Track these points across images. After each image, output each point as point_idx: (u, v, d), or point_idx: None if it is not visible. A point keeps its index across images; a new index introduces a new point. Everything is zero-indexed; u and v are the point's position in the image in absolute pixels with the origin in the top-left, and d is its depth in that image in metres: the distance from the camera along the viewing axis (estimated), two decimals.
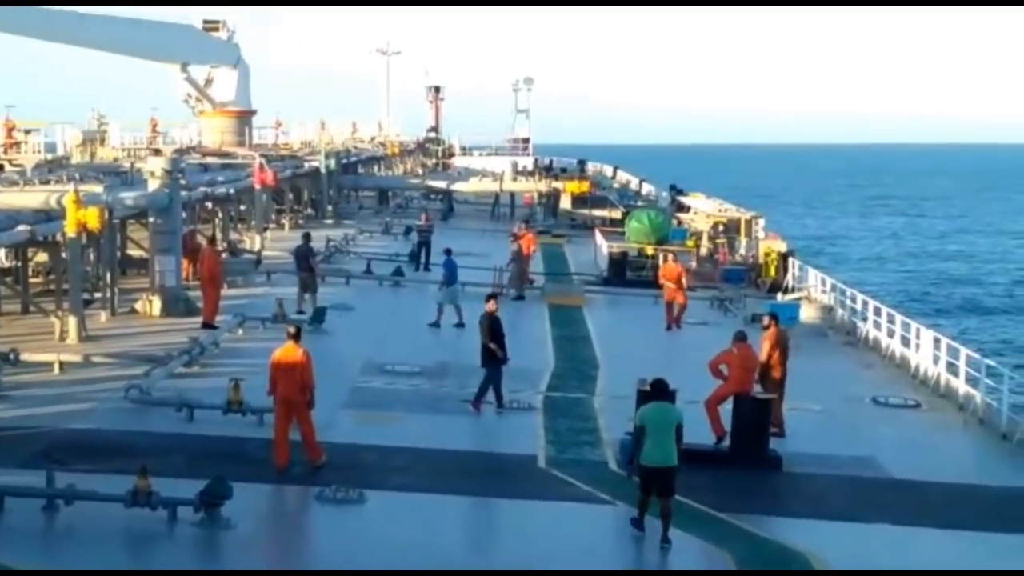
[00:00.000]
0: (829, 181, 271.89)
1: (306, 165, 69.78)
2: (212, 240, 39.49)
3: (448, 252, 39.89)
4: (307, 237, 39.67)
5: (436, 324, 36.32)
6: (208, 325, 33.34)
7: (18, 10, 66.39)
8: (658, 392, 19.94)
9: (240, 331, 32.92)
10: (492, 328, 26.70)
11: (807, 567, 18.13)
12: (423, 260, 48.00)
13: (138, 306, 35.45)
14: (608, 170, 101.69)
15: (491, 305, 27.31)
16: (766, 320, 27.09)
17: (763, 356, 25.73)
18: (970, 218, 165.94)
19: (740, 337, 25.27)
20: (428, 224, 50.21)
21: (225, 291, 39.31)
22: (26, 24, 67.19)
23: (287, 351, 21.96)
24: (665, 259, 45.20)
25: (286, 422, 21.64)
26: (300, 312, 35.47)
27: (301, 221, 64.42)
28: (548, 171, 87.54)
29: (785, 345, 26.23)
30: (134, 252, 43.55)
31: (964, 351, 30.96)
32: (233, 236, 51.45)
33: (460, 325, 35.56)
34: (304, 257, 38.13)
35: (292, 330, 22.69)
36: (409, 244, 52.28)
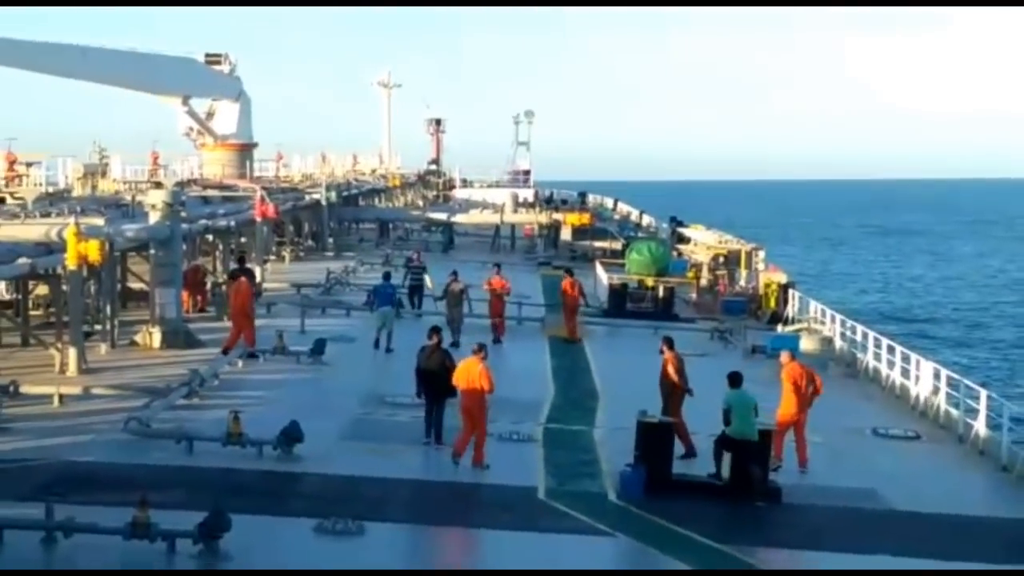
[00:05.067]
0: (836, 215, 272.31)
1: (307, 197, 69.89)
2: (247, 272, 39.24)
3: (386, 277, 40.47)
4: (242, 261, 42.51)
5: (376, 345, 36.77)
6: (252, 355, 33.97)
7: (21, 43, 66.61)
8: (736, 381, 24.22)
9: (240, 363, 32.90)
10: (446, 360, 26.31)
11: None
12: (416, 302, 45.05)
13: (138, 338, 35.50)
14: (609, 202, 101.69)
15: (436, 339, 26.89)
16: (661, 346, 27.84)
17: (671, 377, 26.74)
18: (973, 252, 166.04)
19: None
20: (420, 263, 47.27)
21: (225, 322, 39.41)
22: (29, 58, 67.41)
23: (469, 365, 24.60)
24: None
25: (469, 432, 24.60)
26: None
27: (302, 253, 64.53)
28: (549, 203, 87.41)
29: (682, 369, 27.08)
30: (135, 285, 43.58)
31: (964, 382, 30.98)
32: (233, 268, 51.42)
33: (389, 350, 36.26)
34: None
35: (476, 347, 25.37)
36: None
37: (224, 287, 45.87)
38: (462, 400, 24.71)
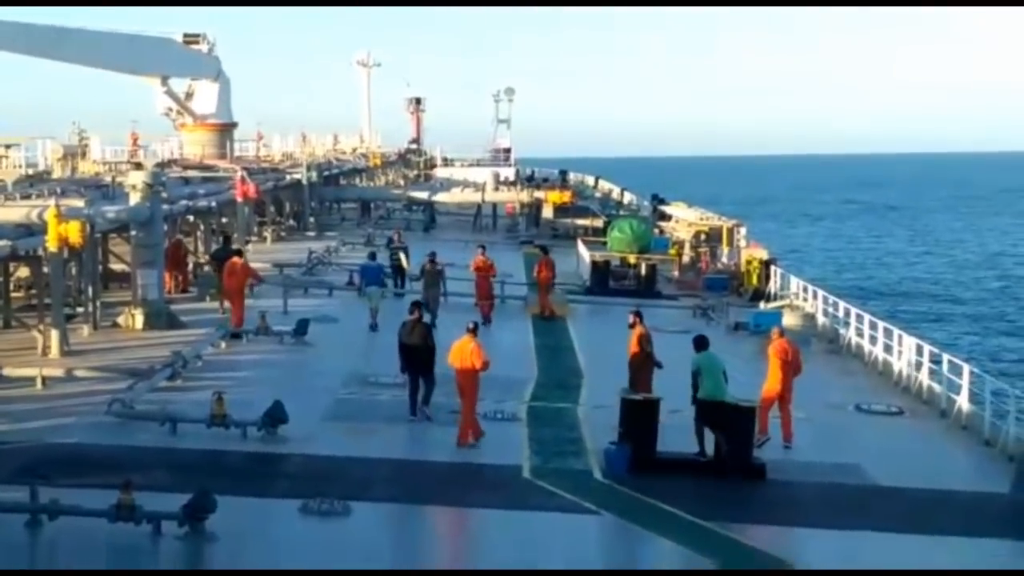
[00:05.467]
0: (817, 192, 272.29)
1: (288, 177, 69.74)
2: (240, 253, 39.48)
3: (372, 256, 41.14)
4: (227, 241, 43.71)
5: (373, 328, 36.88)
6: (236, 335, 34.09)
7: (5, 25, 66.48)
8: (702, 344, 24.75)
9: (223, 345, 32.85)
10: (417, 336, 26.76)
11: None
12: (399, 282, 45.26)
13: (121, 320, 35.40)
14: (590, 180, 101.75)
15: (416, 313, 27.38)
16: (631, 319, 28.03)
17: (641, 349, 27.19)
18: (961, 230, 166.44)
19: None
20: (401, 242, 47.53)
21: (207, 304, 39.42)
22: (5, 39, 67.19)
23: (463, 344, 24.89)
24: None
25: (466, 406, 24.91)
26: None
27: (283, 233, 64.40)
28: (530, 181, 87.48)
29: (648, 343, 27.31)
30: (116, 266, 43.42)
31: (947, 357, 31.03)
32: (217, 248, 51.31)
33: (374, 328, 36.58)
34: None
35: (470, 325, 25.74)
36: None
37: (207, 268, 45.93)
38: (456, 378, 24.92)
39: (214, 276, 42.11)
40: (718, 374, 24.10)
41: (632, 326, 27.73)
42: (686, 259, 56.28)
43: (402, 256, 45.33)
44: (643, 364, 26.98)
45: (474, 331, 25.31)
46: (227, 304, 36.86)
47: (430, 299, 37.88)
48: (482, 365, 24.69)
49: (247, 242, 53.55)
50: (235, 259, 37.30)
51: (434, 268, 39.48)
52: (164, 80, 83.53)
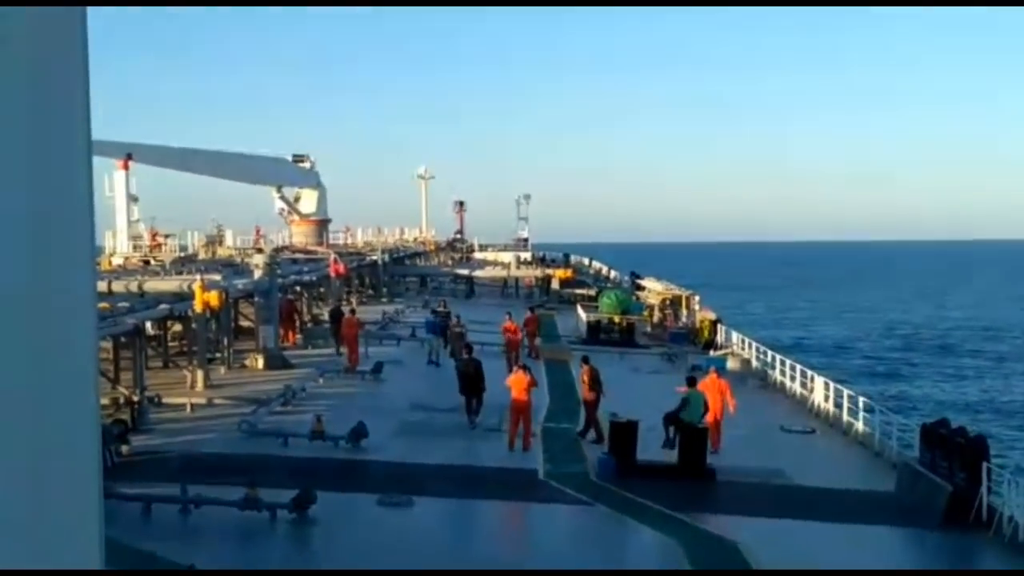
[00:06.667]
0: (763, 270, 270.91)
1: (367, 258, 70.00)
2: (353, 311, 40.76)
3: (434, 312, 41.79)
4: (339, 304, 44.50)
5: (433, 362, 37.69)
6: (350, 370, 34.77)
7: (163, 149, 67.63)
8: (692, 383, 25.51)
9: (321, 380, 32.93)
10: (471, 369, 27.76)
11: (735, 551, 18.02)
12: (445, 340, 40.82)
13: (247, 362, 35.52)
14: (586, 260, 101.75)
15: (468, 353, 28.89)
16: (583, 365, 28.26)
17: (584, 390, 27.45)
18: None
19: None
20: (446, 310, 44.56)
21: (310, 351, 39.49)
22: (168, 160, 68.39)
23: (519, 377, 25.57)
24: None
25: (516, 426, 25.33)
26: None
27: (364, 300, 64.55)
28: (542, 262, 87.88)
29: (596, 378, 27.31)
30: (244, 323, 43.60)
31: (847, 391, 30.97)
32: (315, 311, 51.53)
33: (437, 364, 37.23)
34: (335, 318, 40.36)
35: (521, 365, 27.07)
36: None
37: (311, 324, 46.12)
38: (513, 404, 25.48)
39: (318, 329, 42.48)
40: (699, 406, 24.44)
41: (582, 366, 28.33)
42: (656, 319, 56.20)
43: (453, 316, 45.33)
44: (589, 397, 27.24)
45: (525, 368, 26.41)
46: (343, 348, 37.42)
47: (456, 351, 35.78)
48: (530, 393, 25.62)
49: (349, 304, 53.67)
50: (350, 316, 38.14)
51: (456, 329, 39.28)
52: (279, 188, 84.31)
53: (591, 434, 26.50)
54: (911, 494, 22.08)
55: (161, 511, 18.40)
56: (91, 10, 3.08)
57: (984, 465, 20.60)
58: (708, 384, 26.51)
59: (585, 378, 27.48)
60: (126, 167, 62.57)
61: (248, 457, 22.58)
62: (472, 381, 27.50)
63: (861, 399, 29.75)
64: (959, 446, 21.48)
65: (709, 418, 25.49)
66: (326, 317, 49.39)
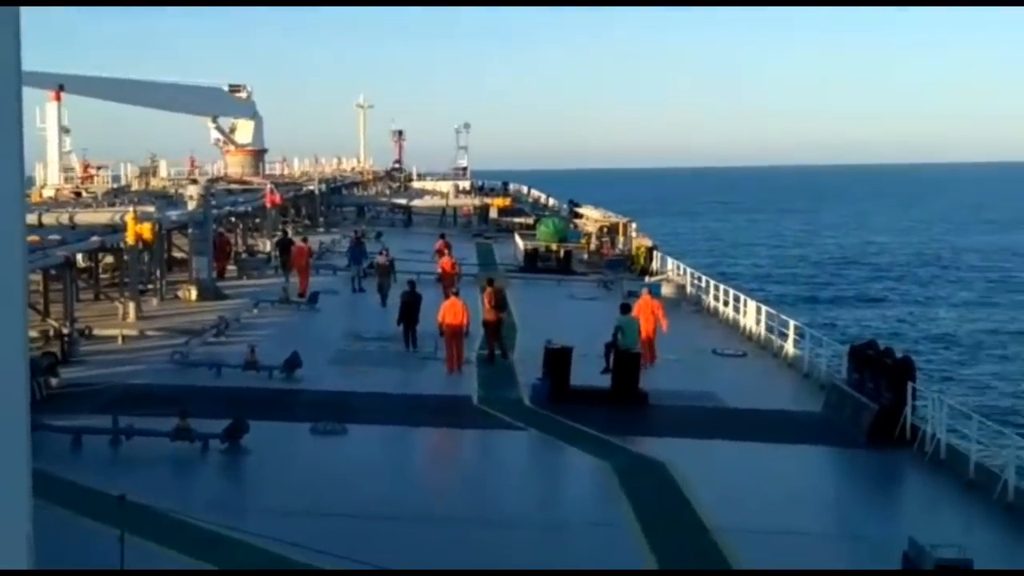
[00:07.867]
0: (698, 196, 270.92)
1: (304, 189, 69.19)
2: (305, 239, 41.08)
3: (357, 243, 40.78)
4: (285, 233, 44.17)
5: (359, 290, 37.96)
6: (302, 296, 34.92)
7: (95, 80, 66.60)
8: (625, 309, 25.81)
9: (256, 311, 32.59)
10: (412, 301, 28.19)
11: (665, 472, 18.11)
12: (383, 297, 35.06)
13: (180, 294, 35.02)
14: (524, 189, 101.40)
15: (410, 287, 29.07)
16: (487, 287, 28.66)
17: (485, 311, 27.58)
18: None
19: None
20: (388, 260, 37.08)
21: (244, 280, 39.09)
22: (101, 90, 67.24)
23: (453, 303, 25.91)
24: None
25: (451, 349, 25.60)
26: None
27: (300, 230, 63.84)
28: (481, 191, 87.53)
29: (500, 300, 27.94)
30: (177, 254, 42.97)
31: (779, 315, 31.24)
32: (250, 241, 50.92)
33: (362, 291, 37.67)
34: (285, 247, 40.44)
35: (455, 291, 27.57)
36: (379, 244, 51.08)
37: (245, 255, 45.55)
38: (447, 330, 25.68)
39: (252, 260, 42.06)
40: (634, 332, 24.77)
41: (482, 289, 28.94)
42: (593, 246, 56.21)
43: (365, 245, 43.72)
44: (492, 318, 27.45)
45: (458, 296, 26.84)
46: (292, 276, 37.53)
47: (384, 285, 35.33)
48: (467, 320, 25.95)
49: (273, 236, 52.96)
50: (302, 244, 38.09)
51: (384, 261, 36.59)
52: (214, 119, 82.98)
53: (499, 358, 26.84)
54: (838, 413, 22.36)
55: (91, 443, 18.15)
56: None
57: (910, 385, 20.90)
58: (641, 305, 26.84)
59: (487, 300, 27.68)
60: (58, 98, 61.22)
61: (180, 388, 22.26)
62: (412, 310, 27.91)
63: (792, 323, 29.99)
64: (886, 367, 21.73)
65: (643, 336, 25.66)
66: (261, 248, 48.89)
